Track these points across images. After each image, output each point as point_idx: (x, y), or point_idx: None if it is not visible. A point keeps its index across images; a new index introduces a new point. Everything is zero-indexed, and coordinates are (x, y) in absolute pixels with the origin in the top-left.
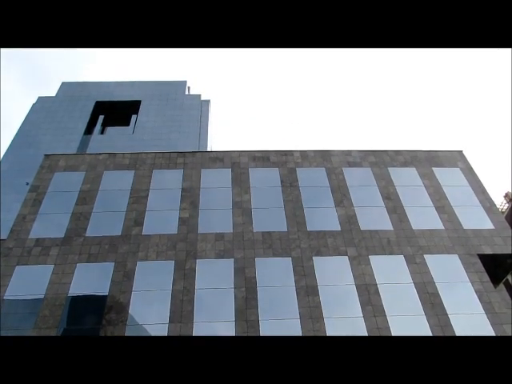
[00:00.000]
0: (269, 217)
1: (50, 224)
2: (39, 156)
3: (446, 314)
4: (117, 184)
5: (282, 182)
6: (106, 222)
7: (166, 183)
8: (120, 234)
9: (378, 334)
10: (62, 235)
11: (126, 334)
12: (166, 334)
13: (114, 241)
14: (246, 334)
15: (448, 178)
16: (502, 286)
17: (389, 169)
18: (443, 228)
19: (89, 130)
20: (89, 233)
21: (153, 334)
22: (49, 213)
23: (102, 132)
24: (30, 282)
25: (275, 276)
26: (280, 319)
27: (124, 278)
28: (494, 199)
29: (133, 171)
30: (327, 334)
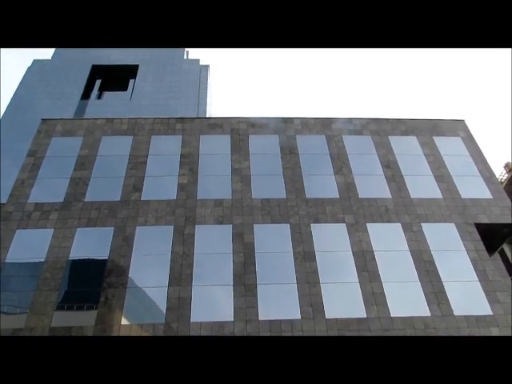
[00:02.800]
0: (268, 184)
1: (49, 189)
2: (36, 121)
3: (441, 281)
4: (115, 149)
5: (281, 149)
6: (104, 188)
7: (165, 149)
8: (119, 199)
9: (374, 300)
10: (61, 200)
11: (126, 297)
12: (166, 297)
13: (113, 206)
14: (243, 298)
15: (448, 147)
16: (496, 254)
17: (389, 137)
18: (441, 197)
19: (86, 94)
20: (88, 198)
21: (152, 297)
22: (47, 178)
23: (99, 97)
24: (30, 245)
25: (273, 242)
26: (277, 284)
27: (123, 243)
28: (493, 169)
29: (131, 137)
30: (323, 299)
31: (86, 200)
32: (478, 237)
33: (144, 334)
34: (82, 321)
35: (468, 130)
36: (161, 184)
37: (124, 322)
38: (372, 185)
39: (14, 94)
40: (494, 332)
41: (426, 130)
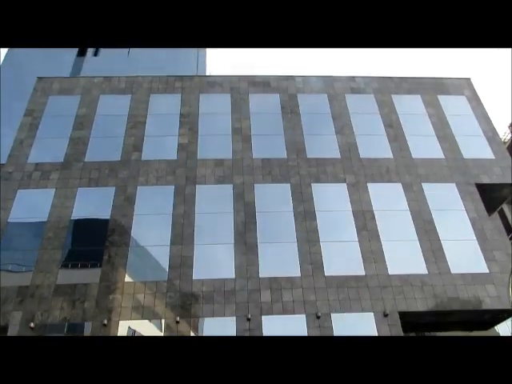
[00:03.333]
0: (268, 143)
1: (48, 149)
2: (31, 79)
3: (439, 240)
4: (113, 109)
5: (282, 108)
6: (104, 148)
7: (164, 108)
8: (119, 159)
9: (372, 258)
10: (61, 160)
11: (129, 256)
12: (168, 256)
13: (113, 166)
14: (244, 256)
15: (453, 106)
16: (496, 214)
17: (393, 96)
18: (443, 157)
19: (82, 51)
20: (88, 158)
21: (155, 255)
22: (46, 137)
23: (96, 54)
24: (32, 205)
25: (274, 201)
26: (278, 242)
27: (125, 202)
28: (497, 129)
29: (129, 95)
30: (323, 257)
31: (86, 160)
32: (479, 197)
33: (147, 291)
34: (87, 278)
35: (473, 88)
36: (161, 144)
37: (128, 279)
38: (374, 145)
39: (7, 51)
40: (490, 289)
41: (431, 89)
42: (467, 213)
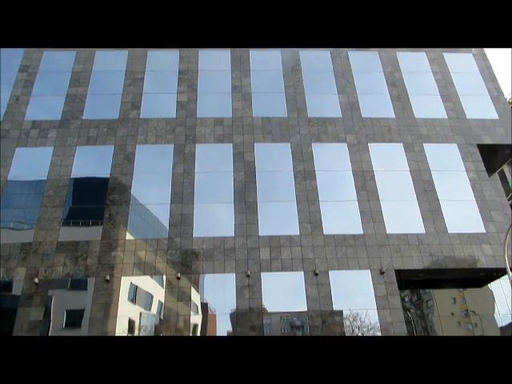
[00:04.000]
0: (269, 102)
1: (45, 106)
2: None
3: (438, 200)
4: (110, 65)
5: (283, 65)
6: (102, 105)
7: (162, 65)
8: (117, 117)
9: (371, 218)
10: (59, 118)
11: (129, 214)
12: (168, 214)
13: (112, 124)
14: (244, 214)
15: (458, 63)
16: (496, 175)
17: (397, 53)
18: (446, 117)
19: None
20: (86, 116)
21: (155, 213)
22: (42, 94)
23: None
24: (31, 164)
25: (274, 161)
26: (277, 201)
27: (124, 161)
28: (503, 89)
29: (126, 51)
30: (322, 216)
31: (84, 118)
32: (480, 158)
33: (148, 248)
34: (89, 236)
35: None
36: (159, 101)
37: (129, 236)
38: (376, 104)
39: None
40: (486, 249)
41: None
42: (467, 173)
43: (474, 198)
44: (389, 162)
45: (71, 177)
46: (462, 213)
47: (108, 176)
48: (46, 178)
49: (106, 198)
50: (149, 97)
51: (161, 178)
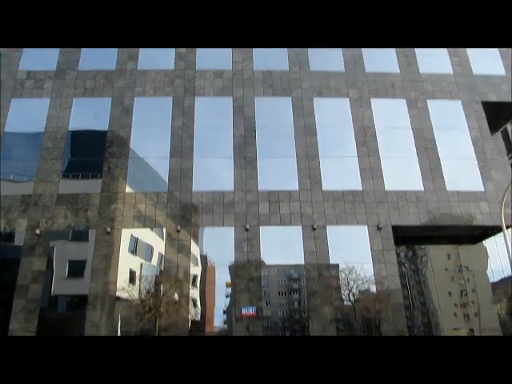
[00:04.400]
0: (270, 54)
1: (39, 56)
2: None
3: (438, 158)
4: None
5: None
6: (98, 56)
7: None
8: (114, 68)
9: (370, 174)
10: (54, 68)
11: (129, 167)
12: (168, 168)
13: (109, 75)
14: (243, 169)
15: None
16: (499, 134)
17: None
18: (451, 73)
19: None
20: (81, 67)
21: (154, 167)
22: None
23: None
24: (28, 115)
25: (274, 115)
26: (277, 157)
27: (123, 114)
28: None
29: None
30: (321, 172)
31: (79, 69)
32: (483, 115)
33: (148, 201)
34: (88, 188)
35: None
36: (157, 52)
37: (128, 190)
38: (380, 58)
39: None
40: (483, 206)
41: None
42: (470, 131)
43: (474, 157)
44: (391, 118)
45: (69, 129)
46: (462, 171)
47: (106, 129)
48: (43, 130)
49: (105, 150)
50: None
51: (159, 132)
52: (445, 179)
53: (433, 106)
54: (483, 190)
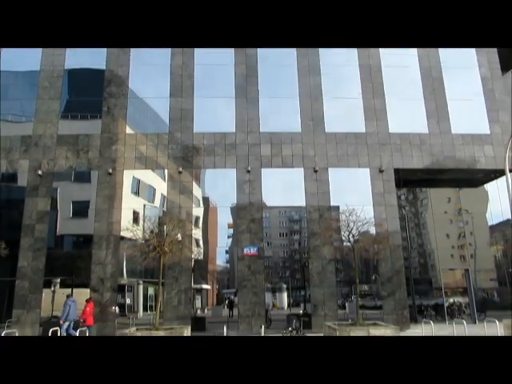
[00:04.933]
0: None
1: None
2: None
3: (445, 99)
4: None
5: None
6: None
7: None
8: None
9: (374, 116)
10: None
11: (128, 107)
12: (168, 109)
13: None
14: (245, 110)
15: None
16: (509, 74)
17: None
18: None
19: None
20: None
21: (155, 108)
22: None
23: None
24: (20, 52)
25: (277, 54)
26: (280, 97)
27: (120, 52)
28: None
29: None
30: (324, 113)
31: None
32: (495, 51)
33: (149, 142)
34: (88, 129)
35: None
36: None
37: (129, 131)
38: None
39: None
40: (487, 150)
41: None
42: (479, 69)
43: (483, 98)
44: (398, 57)
45: (65, 68)
46: (469, 113)
47: (104, 67)
48: (39, 69)
49: (103, 90)
50: None
51: (159, 71)
52: (450, 121)
53: None
54: (489, 132)
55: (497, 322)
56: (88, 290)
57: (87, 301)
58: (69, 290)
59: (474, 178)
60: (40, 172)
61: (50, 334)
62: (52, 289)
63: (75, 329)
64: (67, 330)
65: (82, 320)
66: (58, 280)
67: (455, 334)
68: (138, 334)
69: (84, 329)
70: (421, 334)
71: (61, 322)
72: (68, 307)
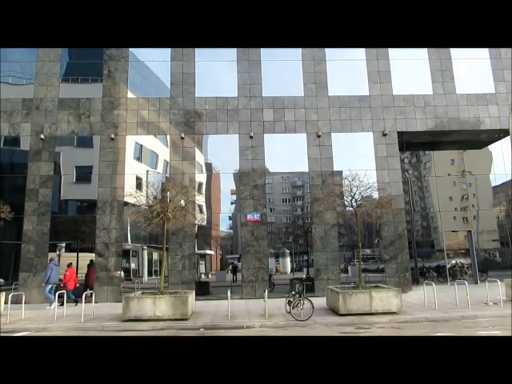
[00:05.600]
0: None
1: None
2: None
3: (450, 59)
4: None
5: None
6: None
7: None
8: None
9: (378, 78)
10: None
11: (129, 71)
12: (169, 73)
13: None
14: (247, 74)
15: None
16: None
17: None
18: None
19: None
20: None
21: (156, 72)
22: None
23: None
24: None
25: None
26: (282, 60)
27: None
28: None
29: None
30: (327, 76)
31: None
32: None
33: (151, 107)
34: (89, 93)
35: None
36: None
37: (130, 95)
38: None
39: None
40: (492, 110)
41: None
42: None
43: (488, 56)
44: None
45: None
46: (474, 72)
47: None
48: None
49: (103, 52)
50: None
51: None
52: (455, 82)
53: None
54: (494, 91)
55: (498, 282)
56: (93, 255)
57: (68, 265)
58: (74, 254)
59: (478, 139)
60: (42, 136)
61: (56, 297)
62: (57, 253)
63: (52, 292)
64: (49, 292)
65: (62, 284)
66: (63, 244)
67: (457, 295)
68: (144, 297)
69: (89, 293)
70: (422, 296)
71: (43, 284)
72: (50, 270)
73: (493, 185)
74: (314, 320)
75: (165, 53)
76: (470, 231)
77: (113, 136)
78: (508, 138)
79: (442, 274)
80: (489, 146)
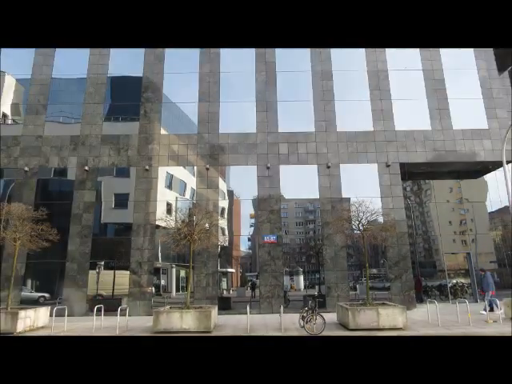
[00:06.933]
0: None
1: None
2: None
3: (446, 99)
4: None
5: None
6: None
7: None
8: None
9: (381, 116)
10: None
11: (162, 111)
12: (197, 112)
13: None
14: (265, 112)
15: None
16: (506, 73)
17: None
18: None
19: None
20: None
21: (185, 111)
22: None
23: None
24: (71, 62)
25: (293, 61)
26: (295, 101)
27: (155, 61)
28: None
29: None
30: (336, 114)
31: None
32: (492, 54)
33: (180, 142)
34: (128, 130)
35: None
36: None
37: (163, 132)
38: None
39: None
40: (486, 144)
41: None
42: (478, 72)
43: (481, 96)
44: (403, 61)
45: (108, 75)
46: (469, 110)
47: (141, 75)
48: (86, 76)
49: (141, 95)
50: None
51: (188, 78)
52: (451, 118)
53: (444, 49)
54: (487, 127)
55: (497, 301)
56: (128, 272)
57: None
58: (111, 272)
59: (474, 169)
60: (87, 168)
61: (95, 311)
62: (97, 270)
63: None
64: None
65: None
66: (102, 263)
67: (458, 312)
68: (172, 311)
69: (124, 307)
70: (426, 313)
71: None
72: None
73: (489, 211)
74: (326, 334)
75: (193, 94)
76: (468, 253)
77: (147, 167)
78: (501, 168)
79: (443, 293)
80: (484, 176)
